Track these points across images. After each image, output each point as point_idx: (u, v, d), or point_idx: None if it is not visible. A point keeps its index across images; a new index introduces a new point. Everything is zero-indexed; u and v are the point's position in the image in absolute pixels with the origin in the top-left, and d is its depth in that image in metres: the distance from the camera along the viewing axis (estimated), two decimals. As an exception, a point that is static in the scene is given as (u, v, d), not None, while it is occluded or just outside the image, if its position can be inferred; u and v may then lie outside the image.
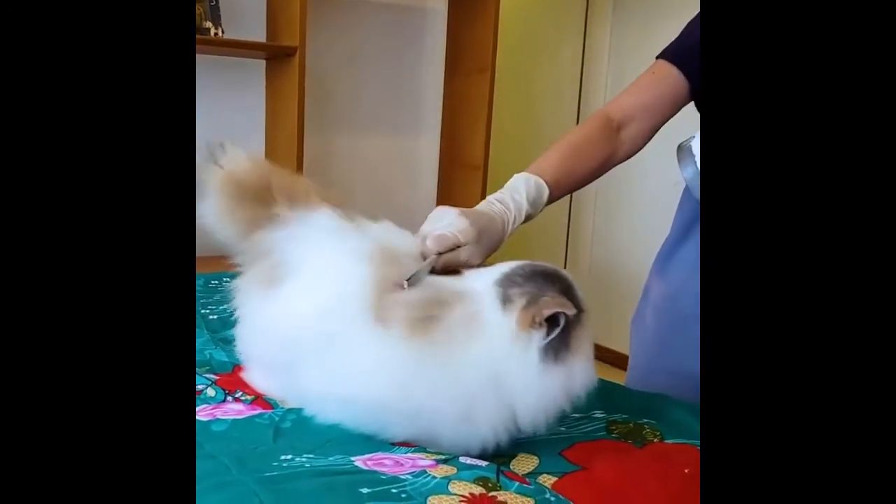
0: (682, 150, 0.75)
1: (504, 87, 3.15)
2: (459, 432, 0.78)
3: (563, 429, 0.90)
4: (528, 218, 1.01)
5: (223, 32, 2.39)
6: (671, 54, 1.13)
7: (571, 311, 0.77)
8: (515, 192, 1.00)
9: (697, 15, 1.13)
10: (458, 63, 3.07)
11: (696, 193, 0.76)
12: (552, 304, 0.77)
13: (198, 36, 2.26)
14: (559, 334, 0.77)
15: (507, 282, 0.80)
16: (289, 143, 2.51)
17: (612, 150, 1.12)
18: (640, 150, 1.15)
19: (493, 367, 0.76)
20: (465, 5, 3.00)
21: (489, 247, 0.94)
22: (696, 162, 0.76)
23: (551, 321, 0.77)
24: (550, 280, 0.81)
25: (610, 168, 1.15)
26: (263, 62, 2.68)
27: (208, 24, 2.32)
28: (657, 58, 1.15)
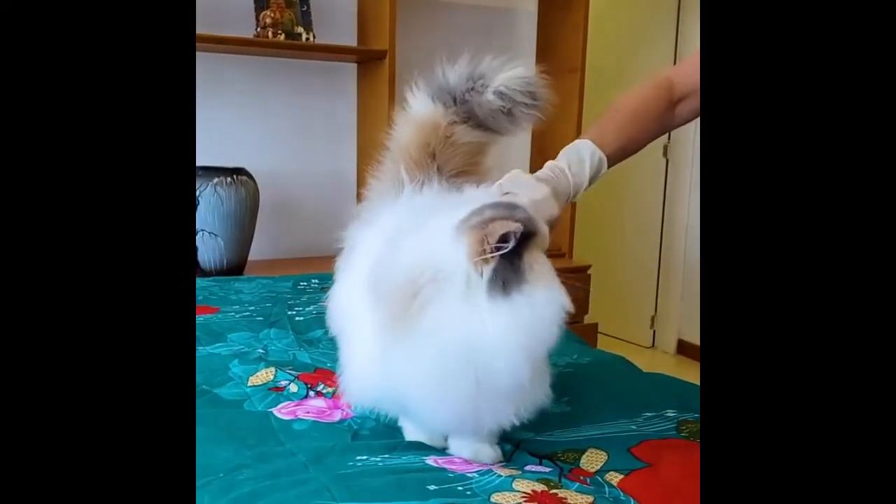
0: None
1: (595, 86, 3.11)
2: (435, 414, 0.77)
3: (633, 427, 0.91)
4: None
5: (315, 38, 2.44)
6: None
7: (518, 228, 0.70)
8: (579, 165, 0.98)
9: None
10: (549, 63, 3.04)
11: None
12: (498, 226, 0.71)
13: (291, 41, 2.32)
14: (510, 262, 0.71)
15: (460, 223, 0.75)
16: (380, 145, 2.53)
17: (668, 122, 1.10)
18: (688, 123, 1.12)
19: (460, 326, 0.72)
20: (554, 5, 2.98)
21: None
22: None
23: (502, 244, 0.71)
24: (496, 207, 0.75)
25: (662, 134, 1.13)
26: (354, 65, 2.73)
27: (300, 30, 2.37)
28: None
